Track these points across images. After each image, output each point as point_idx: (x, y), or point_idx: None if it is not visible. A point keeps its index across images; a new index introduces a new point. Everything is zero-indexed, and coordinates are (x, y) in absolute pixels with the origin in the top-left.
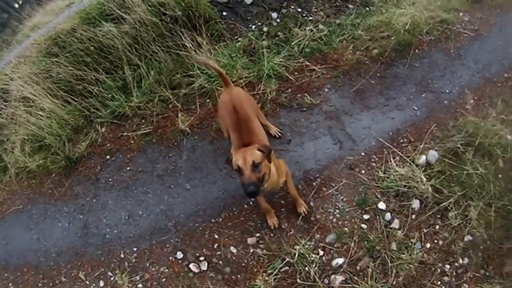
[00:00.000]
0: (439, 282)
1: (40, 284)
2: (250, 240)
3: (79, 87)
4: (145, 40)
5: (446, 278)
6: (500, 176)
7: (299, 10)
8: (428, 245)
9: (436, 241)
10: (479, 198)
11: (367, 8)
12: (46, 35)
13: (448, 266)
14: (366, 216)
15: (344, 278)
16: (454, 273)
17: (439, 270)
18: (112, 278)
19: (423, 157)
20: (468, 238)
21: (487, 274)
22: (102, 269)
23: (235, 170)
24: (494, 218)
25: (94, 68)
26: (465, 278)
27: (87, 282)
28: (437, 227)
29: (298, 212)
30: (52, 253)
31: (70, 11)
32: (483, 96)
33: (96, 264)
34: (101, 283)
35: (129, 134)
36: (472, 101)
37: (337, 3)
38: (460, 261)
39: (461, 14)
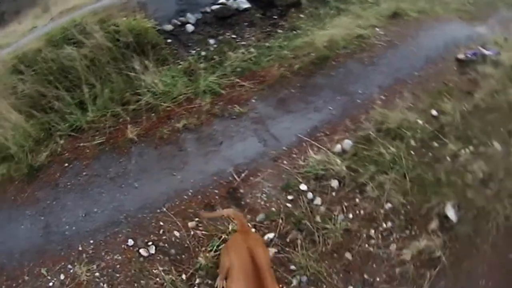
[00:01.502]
0: (366, 245)
1: (3, 286)
2: (191, 224)
3: (42, 102)
4: (101, 62)
5: (372, 241)
6: (412, 152)
7: (234, 36)
8: (350, 216)
9: (357, 211)
10: (393, 172)
11: (295, 32)
12: (13, 54)
13: (373, 231)
14: (290, 197)
15: (276, 250)
16: (380, 236)
17: (364, 235)
18: (71, 270)
19: (339, 146)
20: (388, 205)
21: (413, 233)
22: (63, 263)
23: None
24: (410, 186)
25: (55, 86)
26: (391, 239)
27: (49, 277)
28: (357, 200)
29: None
30: (16, 253)
31: (35, 34)
32: (393, 93)
33: (57, 259)
34: (62, 276)
35: (85, 144)
36: (383, 97)
37: (268, 29)
38: (384, 225)
39: (377, 29)
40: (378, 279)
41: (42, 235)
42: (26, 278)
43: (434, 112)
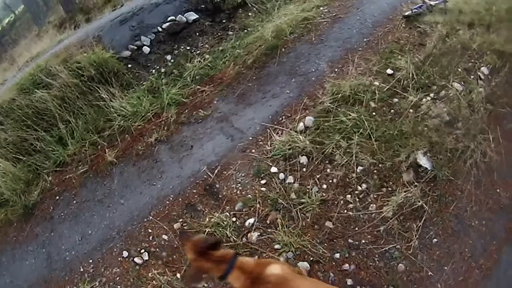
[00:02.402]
0: (345, 211)
1: None
2: (176, 225)
3: (25, 146)
4: (71, 99)
5: (351, 206)
6: (374, 113)
7: (188, 48)
8: (324, 186)
9: (330, 180)
10: (358, 136)
11: (246, 31)
12: None
13: (349, 196)
14: (263, 181)
15: (259, 233)
16: (357, 199)
17: (342, 202)
18: None
19: (301, 124)
20: (359, 168)
21: (389, 189)
22: (68, 287)
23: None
24: (377, 145)
25: (34, 128)
26: (369, 200)
27: None
28: (328, 170)
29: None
30: None
31: (6, 85)
32: (345, 63)
33: (62, 284)
34: None
35: (71, 175)
36: (336, 69)
37: (219, 34)
38: (359, 188)
39: (321, 8)
40: (363, 241)
41: (46, 266)
42: None
43: (389, 71)
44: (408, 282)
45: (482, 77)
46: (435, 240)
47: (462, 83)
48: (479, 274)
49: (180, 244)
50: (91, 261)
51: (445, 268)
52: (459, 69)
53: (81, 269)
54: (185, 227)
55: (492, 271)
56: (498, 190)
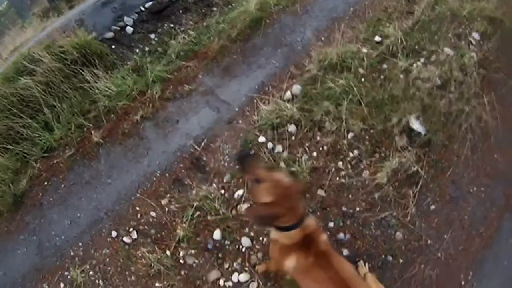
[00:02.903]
0: (337, 178)
1: None
2: (164, 202)
3: (12, 135)
4: (55, 84)
5: (343, 173)
6: (363, 79)
7: (172, 26)
8: (314, 154)
9: (320, 148)
10: (347, 102)
11: (230, 6)
12: None
13: (340, 163)
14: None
15: (248, 205)
16: (349, 166)
17: (333, 169)
18: (68, 276)
19: (288, 93)
20: (350, 135)
21: (382, 155)
22: (60, 272)
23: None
24: (368, 111)
25: (20, 116)
26: (362, 166)
27: None
28: (317, 137)
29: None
30: (18, 279)
31: None
32: (332, 32)
33: (54, 270)
34: (62, 285)
35: (58, 160)
36: (322, 38)
37: (203, 10)
38: (351, 154)
39: None
40: (358, 208)
41: (37, 253)
42: None
43: (377, 38)
44: (407, 252)
45: (474, 42)
46: (432, 207)
47: (453, 48)
48: (479, 243)
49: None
50: (80, 244)
51: (445, 236)
52: (449, 35)
53: (72, 253)
54: (172, 202)
55: (493, 240)
56: (495, 156)
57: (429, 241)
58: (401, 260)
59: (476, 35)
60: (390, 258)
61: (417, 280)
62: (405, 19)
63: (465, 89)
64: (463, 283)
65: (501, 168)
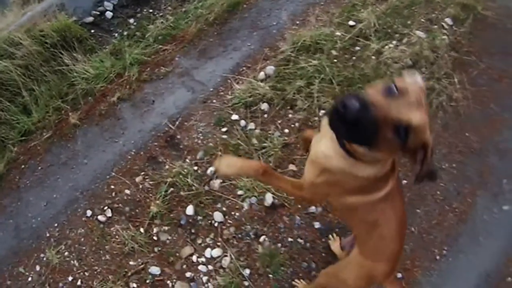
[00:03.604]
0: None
1: None
2: (138, 179)
3: None
4: (35, 67)
5: None
6: (335, 60)
7: (151, 11)
8: (286, 131)
9: (292, 125)
10: (319, 81)
11: None
12: None
13: None
14: (224, 129)
15: (221, 180)
16: None
17: None
18: (44, 258)
19: (262, 73)
20: (321, 112)
21: None
22: (36, 255)
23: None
24: (339, 89)
25: None
26: None
27: (27, 273)
28: (289, 115)
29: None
30: None
31: None
32: (307, 16)
33: (31, 253)
34: (37, 268)
35: (36, 143)
36: (297, 22)
37: None
38: None
39: None
40: None
41: (14, 236)
42: (9, 282)
43: (351, 23)
44: None
45: (446, 27)
46: (404, 181)
47: (425, 31)
48: (453, 217)
49: None
50: (56, 225)
51: (418, 211)
52: (422, 20)
53: (48, 234)
54: (146, 179)
55: (467, 215)
56: (467, 134)
57: None
58: None
59: (448, 20)
60: None
61: None
62: (379, 5)
63: (436, 69)
64: (438, 257)
65: (473, 145)
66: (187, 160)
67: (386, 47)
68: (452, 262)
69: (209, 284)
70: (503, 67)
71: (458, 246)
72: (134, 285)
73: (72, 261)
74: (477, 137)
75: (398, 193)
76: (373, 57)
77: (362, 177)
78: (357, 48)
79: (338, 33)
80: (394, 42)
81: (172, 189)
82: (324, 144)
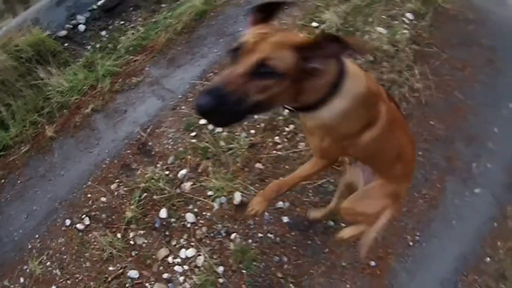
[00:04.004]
0: (274, 151)
1: None
2: (113, 186)
3: None
4: (11, 82)
5: (279, 146)
6: None
7: (122, 22)
8: (252, 131)
9: (258, 126)
10: None
11: (178, 2)
12: None
13: (277, 137)
14: (193, 134)
15: (192, 183)
16: (285, 140)
17: (270, 144)
18: (27, 270)
19: None
20: (286, 112)
21: None
22: (19, 267)
23: (231, 51)
24: None
25: None
26: (297, 139)
27: (12, 286)
28: (255, 116)
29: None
30: None
31: None
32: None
33: (14, 266)
34: (22, 279)
35: (14, 157)
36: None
37: (152, 7)
38: (286, 129)
39: None
40: None
41: None
42: None
43: (314, 24)
44: None
45: (407, 21)
46: None
47: (386, 27)
48: (424, 204)
49: None
50: (37, 236)
51: None
52: (383, 16)
53: (30, 246)
54: (121, 186)
55: (438, 201)
56: (431, 122)
57: None
58: (343, 225)
59: (409, 15)
60: (332, 223)
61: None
62: (341, 5)
63: (396, 62)
64: (411, 243)
65: (438, 133)
66: (159, 165)
67: None
68: (426, 247)
69: (185, 283)
70: (465, 57)
71: (430, 232)
72: None
73: (54, 271)
74: (442, 124)
75: (400, 117)
76: None
77: (345, 112)
78: None
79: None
80: None
81: (145, 194)
82: (303, 118)
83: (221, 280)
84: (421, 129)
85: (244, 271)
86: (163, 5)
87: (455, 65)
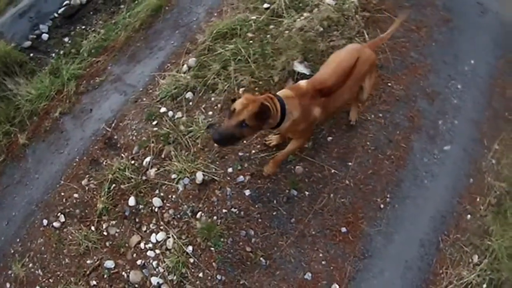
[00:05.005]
0: None
1: None
2: (84, 182)
3: None
4: None
5: None
6: (251, 41)
7: (84, 27)
8: (210, 113)
9: (215, 107)
10: (236, 62)
11: (136, 2)
12: None
13: None
14: (154, 122)
15: (156, 168)
16: None
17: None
18: (12, 274)
19: (185, 66)
20: (241, 90)
21: None
22: (4, 272)
23: (228, 110)
24: (255, 66)
25: None
26: None
27: None
28: (212, 99)
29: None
30: None
31: None
32: (224, 6)
33: None
34: (8, 285)
35: None
36: (215, 14)
37: (112, 9)
38: None
39: None
40: (253, 151)
41: None
42: None
43: (265, 5)
44: (311, 183)
45: None
46: (329, 138)
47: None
48: (390, 165)
49: None
50: (18, 240)
51: (349, 164)
52: None
53: (12, 251)
54: (91, 181)
55: (405, 161)
56: (389, 84)
57: (332, 170)
58: (307, 193)
59: None
60: (294, 192)
61: (330, 210)
62: None
63: (347, 29)
64: (382, 206)
65: (397, 93)
66: (124, 156)
67: (298, 20)
68: (399, 208)
69: (159, 267)
70: (419, 18)
71: (402, 192)
72: (94, 282)
73: (36, 271)
74: (400, 84)
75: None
76: (286, 31)
77: (292, 123)
78: (272, 26)
79: (253, 17)
80: (305, 14)
81: (114, 185)
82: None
83: (191, 260)
84: (379, 92)
85: (212, 248)
86: (121, 6)
87: (409, 27)
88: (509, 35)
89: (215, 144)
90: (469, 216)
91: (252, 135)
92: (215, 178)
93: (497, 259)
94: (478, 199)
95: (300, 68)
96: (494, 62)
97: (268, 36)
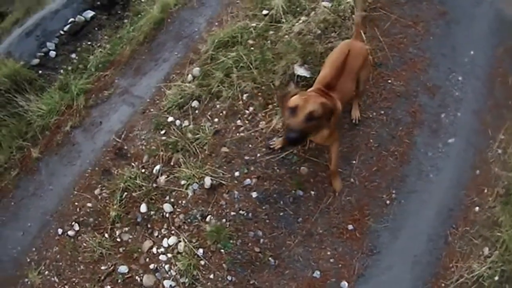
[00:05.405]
0: (237, 134)
1: None
2: (96, 192)
3: None
4: None
5: (242, 128)
6: (252, 48)
7: (89, 43)
8: (216, 120)
9: (220, 113)
10: (239, 69)
11: (139, 15)
12: None
13: (239, 121)
14: (162, 132)
15: (166, 176)
16: (247, 122)
17: (233, 128)
18: (28, 282)
19: (189, 75)
20: (244, 96)
21: (275, 104)
22: (20, 281)
23: (289, 109)
24: (257, 72)
25: None
26: (258, 119)
27: None
28: (217, 105)
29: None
30: None
31: None
32: (225, 15)
33: (15, 281)
34: None
35: (6, 182)
36: (216, 23)
37: (116, 24)
38: (247, 112)
39: None
40: (259, 155)
41: None
42: None
43: (264, 12)
44: (317, 183)
45: None
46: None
47: (330, 0)
48: (394, 161)
49: None
50: (34, 249)
51: (353, 162)
52: None
53: (28, 260)
54: (103, 190)
55: (409, 156)
56: (389, 81)
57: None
58: (312, 192)
59: None
60: (300, 192)
61: (336, 208)
62: None
63: (344, 30)
64: (388, 202)
65: (398, 90)
66: (134, 165)
67: (296, 24)
68: (405, 204)
69: (171, 271)
70: (415, 13)
71: (407, 188)
72: (109, 287)
73: (52, 278)
74: (400, 81)
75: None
76: (286, 36)
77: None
78: (271, 32)
79: (253, 24)
80: (303, 18)
81: (125, 193)
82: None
83: (202, 262)
84: (380, 89)
85: (222, 250)
86: (125, 21)
87: (406, 23)
88: (505, 23)
89: (289, 146)
90: (477, 208)
91: (318, 130)
92: (223, 182)
93: (508, 250)
94: (485, 190)
95: (300, 71)
96: (493, 51)
97: (268, 41)
